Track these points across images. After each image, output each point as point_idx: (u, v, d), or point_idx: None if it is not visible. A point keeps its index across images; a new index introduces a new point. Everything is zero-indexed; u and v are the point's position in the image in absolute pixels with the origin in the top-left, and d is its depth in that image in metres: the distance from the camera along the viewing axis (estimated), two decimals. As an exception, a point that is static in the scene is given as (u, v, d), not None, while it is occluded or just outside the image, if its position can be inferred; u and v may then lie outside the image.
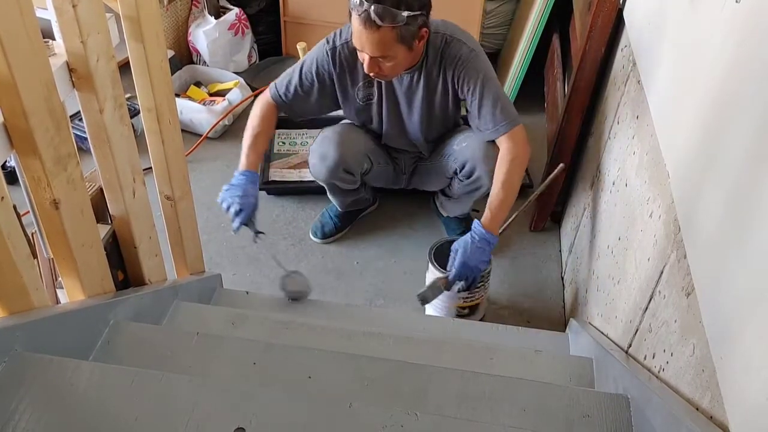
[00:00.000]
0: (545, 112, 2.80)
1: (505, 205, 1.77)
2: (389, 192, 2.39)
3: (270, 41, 3.27)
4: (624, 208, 1.46)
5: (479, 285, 1.83)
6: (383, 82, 1.87)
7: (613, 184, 1.60)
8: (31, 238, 1.26)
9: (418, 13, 1.62)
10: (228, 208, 1.73)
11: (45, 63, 0.96)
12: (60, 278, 1.19)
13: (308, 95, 1.91)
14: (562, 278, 2.16)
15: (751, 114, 0.84)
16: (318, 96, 1.91)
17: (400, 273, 2.19)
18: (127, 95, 1.52)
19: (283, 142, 2.74)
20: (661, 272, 1.12)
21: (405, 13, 1.58)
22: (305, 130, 2.70)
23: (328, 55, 1.84)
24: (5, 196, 0.91)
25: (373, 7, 1.55)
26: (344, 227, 2.32)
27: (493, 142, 1.88)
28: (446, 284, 1.76)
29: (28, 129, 0.93)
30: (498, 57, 3.19)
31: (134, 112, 2.06)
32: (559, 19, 2.67)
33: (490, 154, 1.90)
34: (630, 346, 1.28)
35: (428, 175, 2.18)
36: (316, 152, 2.01)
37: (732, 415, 0.78)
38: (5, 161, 1.28)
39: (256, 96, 2.07)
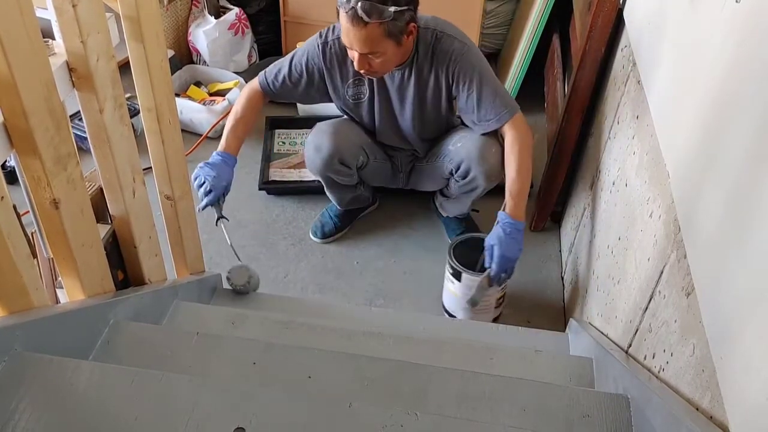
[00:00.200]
0: (545, 112, 2.80)
1: (525, 191, 1.80)
2: (389, 192, 2.39)
3: (270, 41, 3.27)
4: (624, 208, 1.46)
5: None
6: (374, 79, 1.88)
7: (613, 184, 1.60)
8: (30, 237, 1.26)
9: (405, 8, 1.63)
10: (199, 186, 1.75)
11: (45, 63, 0.96)
12: (60, 278, 1.19)
13: (296, 86, 1.93)
14: (562, 278, 2.16)
15: (751, 114, 0.84)
16: (305, 88, 1.94)
17: (400, 273, 2.19)
18: (127, 95, 1.52)
19: (283, 142, 2.74)
20: (661, 272, 1.12)
21: (392, 9, 1.60)
22: (305, 130, 2.70)
23: (318, 49, 1.86)
24: (5, 195, 0.91)
25: (360, 3, 1.57)
26: (344, 227, 2.32)
27: (488, 141, 1.89)
28: (490, 281, 1.78)
29: (28, 129, 0.93)
30: (498, 57, 3.19)
31: (134, 112, 2.06)
32: (559, 19, 2.67)
33: (485, 154, 1.90)
34: (630, 346, 1.28)
35: (425, 175, 2.18)
36: (311, 144, 2.02)
37: (732, 415, 0.78)
38: (5, 161, 1.27)
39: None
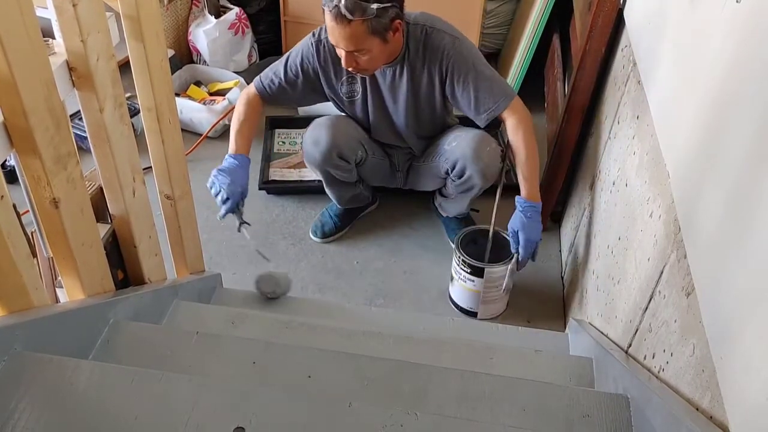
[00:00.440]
0: (545, 112, 2.80)
1: (536, 171, 1.85)
2: (389, 191, 2.39)
3: (270, 41, 3.26)
4: (624, 208, 1.46)
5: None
6: (367, 77, 1.88)
7: (613, 184, 1.60)
8: (30, 237, 1.25)
9: (389, 5, 1.64)
10: (216, 194, 1.76)
11: (45, 62, 0.96)
12: (59, 277, 1.19)
13: (293, 87, 1.94)
14: (562, 278, 2.16)
15: (751, 114, 0.84)
16: (302, 88, 1.94)
17: (400, 272, 2.18)
18: (127, 94, 1.52)
19: (283, 142, 2.74)
20: (661, 272, 1.12)
21: (375, 6, 1.61)
22: (305, 130, 2.70)
23: (313, 47, 1.87)
24: (5, 195, 0.91)
25: (342, 1, 1.58)
26: (344, 227, 2.32)
27: (483, 140, 1.92)
28: (518, 265, 1.87)
29: (28, 128, 0.93)
30: (498, 57, 3.19)
31: (134, 112, 2.06)
32: (559, 19, 2.67)
33: (480, 153, 1.91)
34: (630, 346, 1.28)
35: (423, 175, 2.19)
36: (309, 138, 2.03)
37: (732, 415, 0.78)
38: (5, 160, 1.27)
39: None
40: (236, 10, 3.07)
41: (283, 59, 1.93)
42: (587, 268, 1.79)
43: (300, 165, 2.55)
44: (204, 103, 2.79)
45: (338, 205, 2.29)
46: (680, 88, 1.19)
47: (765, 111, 0.80)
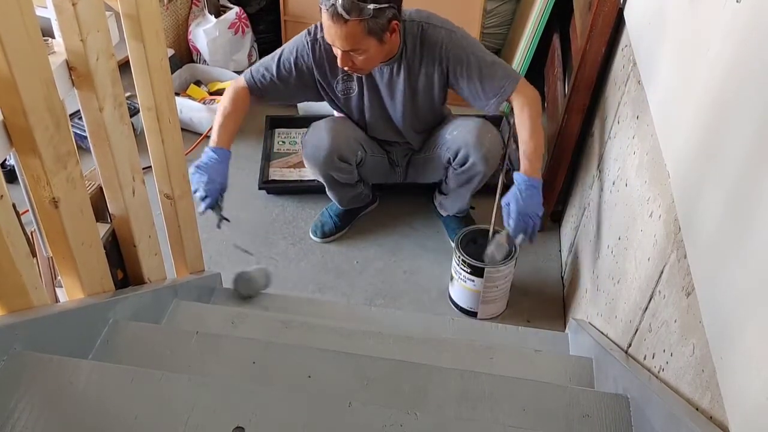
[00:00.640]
0: (545, 112, 2.80)
1: (539, 151, 1.78)
2: (389, 191, 2.38)
3: (270, 40, 3.26)
4: (624, 208, 1.46)
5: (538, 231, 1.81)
6: (363, 75, 1.88)
7: (613, 183, 1.60)
8: (30, 236, 1.25)
9: (386, 5, 1.64)
10: (194, 192, 1.71)
11: (45, 61, 0.96)
12: (59, 277, 1.18)
13: (285, 84, 1.90)
14: (562, 278, 2.15)
15: (751, 114, 0.84)
16: (294, 85, 1.92)
17: (400, 272, 2.18)
18: (127, 94, 1.52)
19: (283, 142, 2.73)
20: (661, 272, 1.12)
21: (371, 6, 1.61)
22: (305, 130, 2.69)
23: (308, 46, 1.86)
24: (4, 194, 0.91)
25: (340, 1, 1.58)
26: (344, 226, 2.32)
27: (483, 126, 1.92)
28: (509, 239, 1.77)
29: (28, 127, 0.93)
30: (498, 56, 3.18)
31: (134, 111, 2.06)
32: (559, 18, 2.67)
33: (482, 139, 1.91)
34: (630, 345, 1.28)
35: (423, 167, 2.18)
36: (309, 143, 2.02)
37: (732, 415, 0.77)
38: (5, 159, 1.27)
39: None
40: (236, 9, 3.07)
41: (275, 54, 1.90)
42: (587, 268, 1.79)
43: (300, 165, 2.55)
44: (204, 103, 2.79)
45: (339, 206, 2.29)
46: (680, 88, 1.18)
47: (765, 111, 0.80)
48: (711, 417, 0.84)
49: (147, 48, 1.28)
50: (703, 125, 1.02)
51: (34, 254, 1.22)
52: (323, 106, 2.17)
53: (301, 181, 2.51)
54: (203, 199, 1.71)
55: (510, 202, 1.73)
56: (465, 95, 1.90)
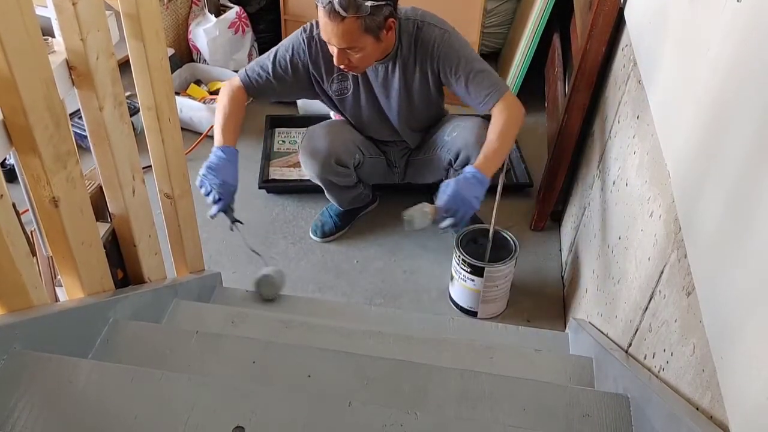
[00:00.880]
0: (546, 111, 2.80)
1: (499, 155, 1.75)
2: (389, 190, 2.38)
3: (270, 40, 3.26)
4: (624, 208, 1.46)
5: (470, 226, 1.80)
6: (358, 74, 1.87)
7: (614, 183, 1.60)
8: (30, 236, 1.25)
9: (383, 3, 1.64)
10: (206, 194, 1.69)
11: (45, 61, 0.96)
12: (59, 276, 1.18)
13: (280, 82, 1.89)
14: (562, 277, 2.15)
15: (751, 114, 0.84)
16: (290, 83, 1.90)
17: (399, 272, 2.18)
18: (127, 93, 1.52)
19: (283, 141, 2.74)
20: (662, 272, 1.12)
21: (369, 3, 1.60)
22: (305, 129, 2.70)
23: (304, 43, 1.86)
24: (4, 194, 0.91)
25: None
26: (344, 226, 2.32)
27: (483, 127, 1.90)
28: (435, 212, 1.69)
29: (28, 127, 0.93)
30: (499, 56, 3.18)
31: (134, 110, 2.06)
32: (559, 18, 2.67)
33: (483, 140, 1.90)
34: (630, 345, 1.28)
35: (422, 168, 2.18)
36: (306, 149, 2.01)
37: (732, 414, 0.77)
38: (4, 159, 1.27)
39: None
40: (236, 8, 3.07)
41: (271, 53, 1.89)
42: (587, 267, 1.79)
43: (300, 164, 2.55)
44: (204, 102, 2.79)
45: (339, 207, 2.29)
46: (680, 88, 1.18)
47: (765, 111, 0.80)
48: (711, 417, 0.84)
49: (147, 47, 1.28)
50: (704, 125, 1.02)
51: (34, 253, 1.22)
52: (323, 105, 2.17)
53: (301, 180, 2.51)
54: (216, 202, 1.68)
55: (450, 182, 1.68)
56: (456, 94, 1.91)
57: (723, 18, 1.00)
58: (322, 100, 2.05)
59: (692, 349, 0.93)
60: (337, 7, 1.59)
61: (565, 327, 1.95)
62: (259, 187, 2.47)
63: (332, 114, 2.20)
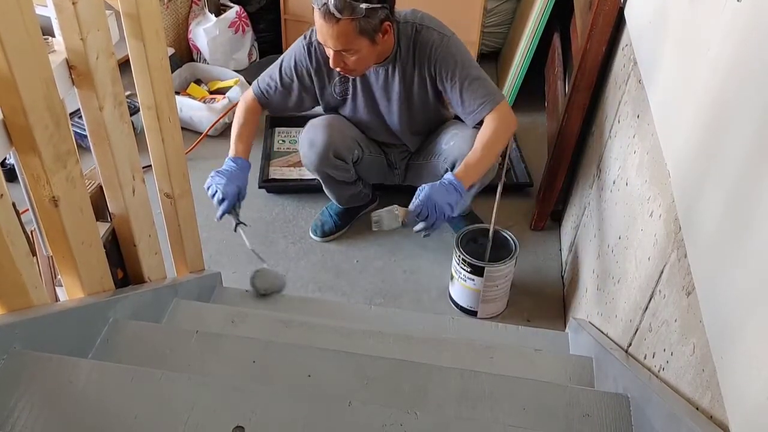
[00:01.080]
0: (546, 111, 2.80)
1: (481, 165, 1.76)
2: (389, 190, 2.38)
3: (270, 39, 3.26)
4: (624, 207, 1.46)
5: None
6: (357, 77, 1.88)
7: (614, 183, 1.60)
8: (30, 235, 1.25)
9: (378, 6, 1.64)
10: (212, 196, 1.74)
11: (44, 60, 0.96)
12: (59, 276, 1.18)
13: (289, 91, 1.94)
14: (562, 277, 2.15)
15: (752, 114, 0.84)
16: (298, 92, 1.95)
17: (399, 272, 2.18)
18: (127, 93, 1.52)
19: (283, 140, 2.74)
20: (662, 271, 1.12)
21: (364, 6, 1.61)
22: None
23: (305, 50, 1.88)
24: (4, 193, 0.91)
25: (332, 0, 1.57)
26: (344, 226, 2.32)
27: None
28: (406, 215, 1.70)
29: (28, 126, 0.93)
30: (498, 56, 3.18)
31: (134, 110, 2.06)
32: (559, 18, 2.67)
33: None
34: (630, 345, 1.28)
35: (421, 173, 2.18)
36: (305, 140, 2.02)
37: (732, 414, 0.77)
38: (4, 158, 1.27)
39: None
40: (236, 8, 3.07)
41: (278, 63, 1.94)
42: (587, 267, 1.79)
43: (300, 163, 2.55)
44: (204, 102, 2.79)
45: (338, 205, 2.29)
46: (681, 88, 1.18)
47: (765, 111, 0.80)
48: (711, 416, 0.84)
49: (147, 47, 1.28)
50: (704, 125, 1.02)
51: (34, 253, 1.22)
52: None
53: (301, 180, 2.51)
54: (221, 202, 1.72)
55: (425, 187, 1.69)
56: (449, 101, 1.91)
57: (723, 18, 1.00)
58: (324, 108, 2.06)
59: (692, 348, 0.93)
60: (331, 8, 1.59)
61: (565, 327, 1.95)
62: (259, 187, 2.47)
63: None
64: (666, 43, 1.33)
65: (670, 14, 1.34)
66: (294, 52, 1.91)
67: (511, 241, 1.94)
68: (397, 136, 2.09)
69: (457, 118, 2.07)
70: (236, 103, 2.77)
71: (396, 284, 2.14)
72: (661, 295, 1.11)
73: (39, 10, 0.92)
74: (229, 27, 3.04)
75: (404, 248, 2.27)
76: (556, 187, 2.17)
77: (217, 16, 3.02)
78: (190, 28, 3.10)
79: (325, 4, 1.60)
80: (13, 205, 0.96)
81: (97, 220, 1.21)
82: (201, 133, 2.74)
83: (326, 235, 2.29)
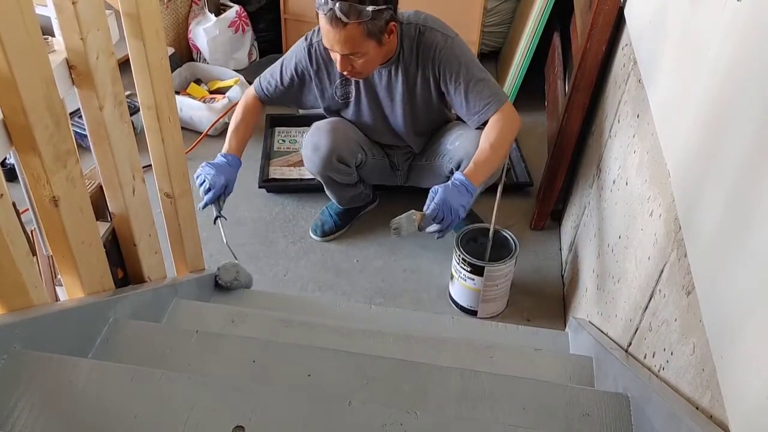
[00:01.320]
0: (546, 111, 2.80)
1: (489, 164, 1.77)
2: (389, 190, 2.38)
3: (270, 39, 3.26)
4: (624, 207, 1.46)
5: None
6: (362, 80, 1.88)
7: (614, 182, 1.60)
8: (30, 235, 1.25)
9: (384, 7, 1.64)
10: (200, 185, 1.76)
11: (44, 60, 0.96)
12: (59, 275, 1.18)
13: (289, 91, 1.96)
14: (562, 277, 2.15)
15: (751, 114, 0.84)
16: (298, 91, 1.97)
17: (399, 271, 2.18)
18: (127, 93, 1.52)
19: (283, 140, 2.73)
20: (662, 271, 1.12)
21: (370, 8, 1.60)
22: (305, 128, 2.69)
23: (305, 51, 1.88)
24: (4, 193, 0.91)
25: (338, 4, 1.57)
26: (344, 225, 2.32)
27: None
28: (422, 219, 1.72)
29: (28, 126, 0.93)
30: (498, 55, 3.18)
31: (134, 110, 2.06)
32: (559, 17, 2.67)
33: None
34: (630, 344, 1.28)
35: (425, 173, 2.18)
36: (308, 143, 2.03)
37: (732, 414, 0.77)
38: (4, 158, 1.27)
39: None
40: (236, 8, 3.07)
41: (279, 62, 1.95)
42: (587, 266, 1.79)
43: (300, 163, 2.55)
44: (204, 102, 2.79)
45: (338, 205, 2.29)
46: (681, 87, 1.18)
47: (765, 111, 0.80)
48: (711, 416, 0.84)
49: (147, 46, 1.28)
50: (704, 124, 1.02)
51: (34, 253, 1.22)
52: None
53: (302, 179, 2.51)
54: (207, 191, 1.74)
55: (439, 189, 1.70)
56: (452, 102, 1.91)
57: (723, 18, 1.00)
58: (325, 110, 2.07)
59: (692, 348, 0.93)
60: (338, 13, 1.58)
61: (565, 326, 1.95)
62: (259, 187, 2.47)
63: None
64: (666, 42, 1.33)
65: (669, 14, 1.34)
66: (295, 53, 1.91)
67: (511, 241, 1.94)
68: (401, 138, 2.09)
69: (459, 119, 2.08)
70: (236, 103, 2.78)
71: (396, 284, 2.14)
72: (661, 295, 1.11)
73: (39, 10, 0.92)
74: (229, 27, 3.04)
75: (404, 248, 2.27)
76: (556, 186, 2.17)
77: (217, 15, 3.02)
78: (190, 27, 3.10)
79: (331, 9, 1.59)
80: (13, 205, 0.96)
81: (97, 219, 1.21)
82: (201, 133, 2.74)
83: (326, 234, 2.29)
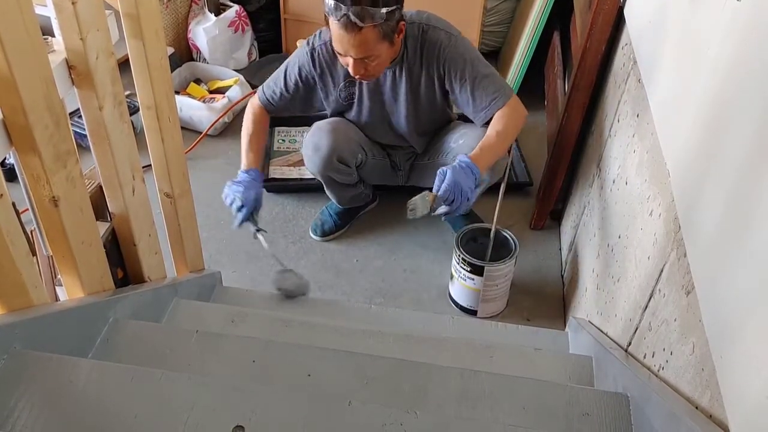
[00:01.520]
0: (545, 110, 2.80)
1: (494, 151, 1.77)
2: (389, 189, 2.38)
3: (270, 39, 3.26)
4: (624, 207, 1.46)
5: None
6: (370, 81, 1.88)
7: (614, 182, 1.60)
8: (30, 235, 1.25)
9: (395, 7, 1.64)
10: (231, 203, 1.76)
11: (44, 60, 0.96)
12: (59, 276, 1.18)
13: (294, 97, 1.96)
14: (562, 276, 2.16)
15: (751, 113, 0.84)
16: (303, 97, 1.97)
17: (399, 271, 2.18)
18: (127, 92, 1.52)
19: (283, 140, 2.73)
20: (661, 271, 1.12)
21: (383, 10, 1.60)
22: (305, 128, 2.69)
23: (308, 56, 1.88)
24: (4, 193, 0.91)
25: (351, 9, 1.56)
26: (344, 225, 2.32)
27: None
28: (434, 200, 1.71)
29: (28, 126, 0.93)
30: (498, 55, 3.18)
31: (134, 110, 2.05)
32: (559, 17, 2.66)
33: None
34: (630, 344, 1.28)
35: (427, 172, 2.18)
36: (309, 143, 2.03)
37: (732, 413, 0.78)
38: (4, 158, 1.27)
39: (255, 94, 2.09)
40: (236, 7, 3.07)
41: (282, 69, 1.94)
42: (587, 266, 1.79)
43: (300, 163, 2.55)
44: (204, 101, 2.79)
45: (338, 205, 2.29)
46: (680, 87, 1.18)
47: (765, 111, 0.80)
48: (711, 416, 0.84)
49: (147, 46, 1.28)
50: (704, 124, 1.02)
51: (33, 253, 1.22)
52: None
53: (301, 179, 2.51)
54: (240, 209, 1.74)
55: (447, 170, 1.69)
56: (457, 102, 1.91)
57: (723, 18, 1.00)
58: (330, 113, 2.07)
59: (692, 348, 0.93)
60: (353, 18, 1.57)
61: (565, 326, 1.95)
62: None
63: None
64: (666, 42, 1.33)
65: (669, 14, 1.34)
66: (297, 58, 1.91)
67: (511, 241, 1.94)
68: (404, 138, 2.09)
69: (462, 118, 2.08)
70: (236, 103, 2.80)
71: (396, 284, 2.14)
72: (660, 294, 1.12)
73: (39, 10, 0.92)
74: (228, 26, 3.04)
75: (404, 247, 2.27)
76: (556, 186, 2.17)
77: (216, 15, 3.02)
78: (190, 27, 3.10)
79: (345, 14, 1.57)
80: (13, 205, 0.96)
81: (97, 219, 1.21)
82: (201, 133, 2.74)
83: (326, 234, 2.29)
